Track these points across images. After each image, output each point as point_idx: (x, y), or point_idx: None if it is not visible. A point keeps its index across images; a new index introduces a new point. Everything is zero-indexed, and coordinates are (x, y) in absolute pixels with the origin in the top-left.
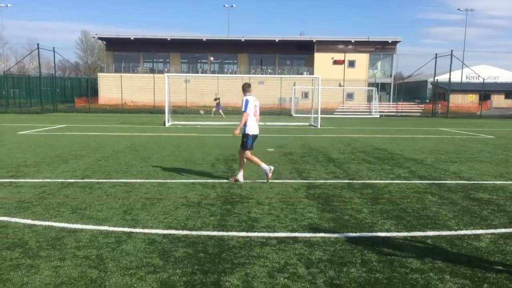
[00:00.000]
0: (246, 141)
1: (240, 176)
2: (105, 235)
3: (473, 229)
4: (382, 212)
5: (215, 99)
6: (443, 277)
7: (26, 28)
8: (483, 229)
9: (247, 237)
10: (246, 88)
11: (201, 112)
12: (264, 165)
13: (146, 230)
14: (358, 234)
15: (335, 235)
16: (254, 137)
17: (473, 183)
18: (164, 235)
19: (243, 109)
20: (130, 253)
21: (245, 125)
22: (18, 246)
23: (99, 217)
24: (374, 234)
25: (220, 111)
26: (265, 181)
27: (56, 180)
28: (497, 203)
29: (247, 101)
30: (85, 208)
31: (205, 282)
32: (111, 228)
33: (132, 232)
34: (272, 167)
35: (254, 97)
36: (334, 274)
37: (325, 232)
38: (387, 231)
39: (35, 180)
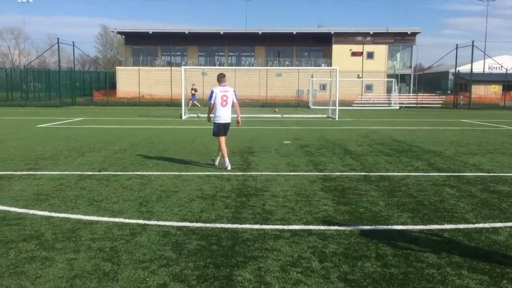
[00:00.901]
0: (213, 128)
1: (216, 161)
2: (120, 227)
3: (492, 222)
4: (398, 205)
5: (192, 89)
6: (461, 272)
7: (47, 23)
8: (502, 222)
9: (261, 229)
10: (219, 78)
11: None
12: (227, 160)
13: (161, 222)
14: (373, 227)
15: (350, 228)
16: (221, 125)
17: (493, 175)
18: (178, 227)
19: (208, 100)
20: (143, 246)
21: (215, 114)
22: (34, 238)
23: (114, 209)
24: (389, 227)
25: (195, 102)
26: (281, 173)
27: (73, 173)
28: None
29: (212, 92)
30: (101, 200)
31: (217, 276)
32: (126, 220)
33: (147, 224)
34: (229, 167)
35: (227, 86)
36: (348, 269)
37: (339, 225)
38: (403, 224)
39: (52, 173)
